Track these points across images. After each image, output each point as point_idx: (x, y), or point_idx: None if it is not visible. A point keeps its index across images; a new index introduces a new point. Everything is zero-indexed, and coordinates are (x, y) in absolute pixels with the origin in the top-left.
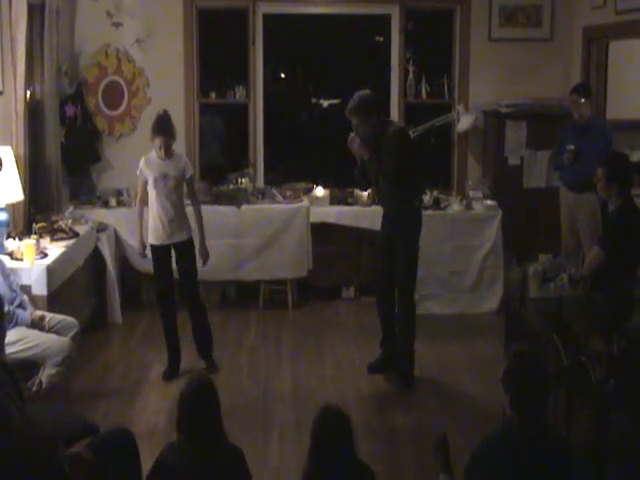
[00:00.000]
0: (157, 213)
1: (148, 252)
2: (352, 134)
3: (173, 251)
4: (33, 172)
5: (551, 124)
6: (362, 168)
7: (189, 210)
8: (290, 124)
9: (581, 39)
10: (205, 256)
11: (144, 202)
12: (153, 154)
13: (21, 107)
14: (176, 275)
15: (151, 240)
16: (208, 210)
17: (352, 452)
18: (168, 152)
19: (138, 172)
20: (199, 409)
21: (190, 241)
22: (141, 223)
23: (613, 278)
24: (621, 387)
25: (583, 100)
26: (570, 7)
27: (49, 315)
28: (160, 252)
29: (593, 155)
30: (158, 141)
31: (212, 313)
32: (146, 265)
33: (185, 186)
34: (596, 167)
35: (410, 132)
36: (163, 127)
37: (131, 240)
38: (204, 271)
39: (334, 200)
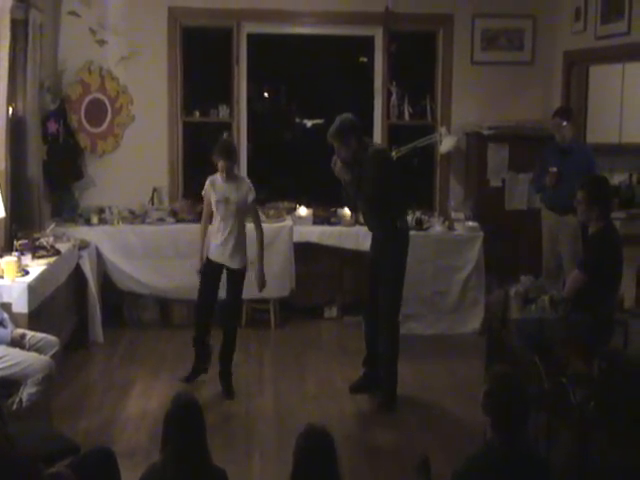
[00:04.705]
0: (215, 232)
1: None
2: (335, 157)
3: (226, 275)
4: (15, 189)
5: (532, 146)
6: (346, 189)
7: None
8: (273, 143)
9: (562, 63)
10: (261, 283)
11: (208, 220)
12: (218, 175)
13: (3, 123)
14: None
15: (208, 254)
16: (191, 229)
17: (335, 472)
18: (230, 175)
19: (203, 192)
20: (185, 428)
21: (240, 272)
22: (203, 240)
23: (593, 300)
24: (601, 408)
25: (565, 123)
26: (551, 32)
27: (30, 333)
28: (210, 267)
29: (575, 178)
30: (220, 164)
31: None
32: (128, 283)
33: (248, 211)
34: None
35: (393, 153)
36: (226, 151)
37: (113, 258)
38: (187, 290)
39: (317, 220)
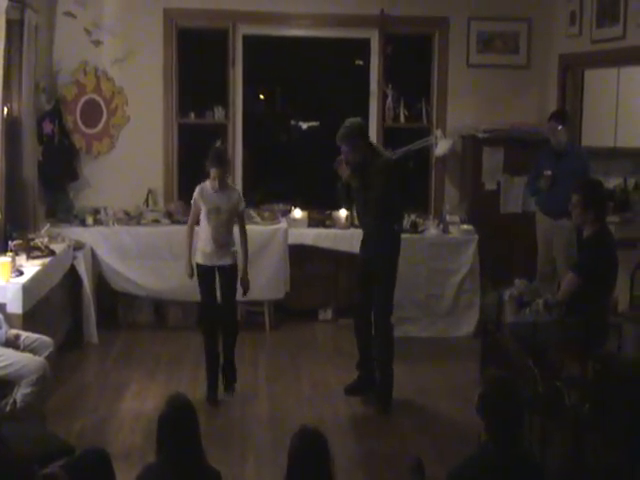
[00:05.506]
0: (206, 239)
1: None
2: (340, 157)
3: (217, 275)
4: (10, 189)
5: (528, 150)
6: (346, 187)
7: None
8: (269, 145)
9: (557, 67)
10: (246, 286)
11: (194, 227)
12: (207, 184)
13: None
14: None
15: (198, 259)
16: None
17: (329, 472)
18: (222, 184)
19: (192, 201)
20: (179, 429)
21: (234, 267)
22: (190, 246)
23: (588, 303)
24: (595, 411)
25: (560, 127)
26: (547, 35)
27: (24, 334)
28: (205, 272)
29: (569, 181)
30: (212, 173)
31: (190, 334)
32: (123, 284)
33: (236, 217)
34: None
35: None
36: (218, 160)
37: (108, 259)
38: (182, 291)
39: (312, 222)
